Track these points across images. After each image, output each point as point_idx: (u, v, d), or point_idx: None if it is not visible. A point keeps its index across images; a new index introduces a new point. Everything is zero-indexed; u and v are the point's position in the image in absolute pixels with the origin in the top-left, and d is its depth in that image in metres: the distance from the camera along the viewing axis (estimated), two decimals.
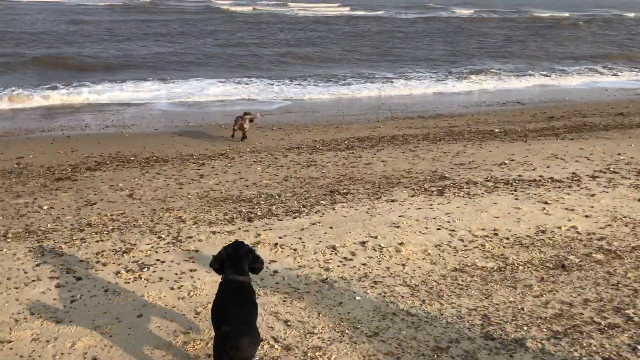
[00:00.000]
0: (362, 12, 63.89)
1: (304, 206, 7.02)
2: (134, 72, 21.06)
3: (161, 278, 5.05)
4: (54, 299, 4.66)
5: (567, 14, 62.07)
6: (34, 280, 4.97)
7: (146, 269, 5.23)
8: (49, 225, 6.34)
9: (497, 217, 6.67)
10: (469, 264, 5.43)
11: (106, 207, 7.01)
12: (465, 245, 5.87)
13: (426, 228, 6.32)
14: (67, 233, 6.11)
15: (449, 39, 36.70)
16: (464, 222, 6.52)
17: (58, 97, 16.28)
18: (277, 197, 7.42)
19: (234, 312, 3.38)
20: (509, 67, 25.33)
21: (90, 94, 16.64)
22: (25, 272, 5.13)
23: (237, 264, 3.68)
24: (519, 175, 8.42)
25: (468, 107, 16.50)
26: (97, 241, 5.88)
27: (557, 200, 7.28)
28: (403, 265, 5.40)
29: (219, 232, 6.13)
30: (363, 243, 5.88)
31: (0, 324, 4.28)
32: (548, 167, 8.96)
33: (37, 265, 5.29)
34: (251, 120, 10.95)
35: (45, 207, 6.98)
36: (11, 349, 3.99)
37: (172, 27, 39.38)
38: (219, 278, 3.78)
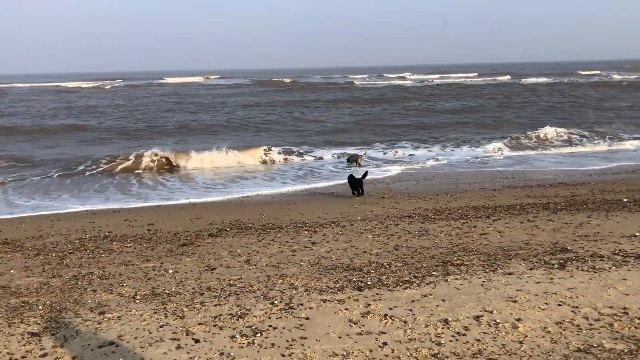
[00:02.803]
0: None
1: (415, 277, 6.92)
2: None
3: (273, 344, 5.17)
4: None
5: None
6: (157, 341, 5.29)
7: (259, 334, 5.38)
8: (173, 289, 6.76)
9: (626, 294, 6.14)
10: (594, 345, 5.02)
11: (225, 272, 7.37)
12: (591, 324, 5.45)
13: (546, 303, 5.96)
14: (188, 296, 6.48)
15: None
16: (589, 298, 6.08)
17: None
18: (387, 266, 7.39)
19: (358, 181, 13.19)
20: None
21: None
22: (150, 333, 5.48)
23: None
24: None
25: (592, 175, 15.62)
26: (215, 305, 6.16)
27: None
28: (520, 342, 5.11)
29: (329, 301, 6.18)
30: (477, 317, 5.65)
31: None
32: None
33: (161, 326, 5.63)
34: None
35: (170, 271, 7.47)
36: None
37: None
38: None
